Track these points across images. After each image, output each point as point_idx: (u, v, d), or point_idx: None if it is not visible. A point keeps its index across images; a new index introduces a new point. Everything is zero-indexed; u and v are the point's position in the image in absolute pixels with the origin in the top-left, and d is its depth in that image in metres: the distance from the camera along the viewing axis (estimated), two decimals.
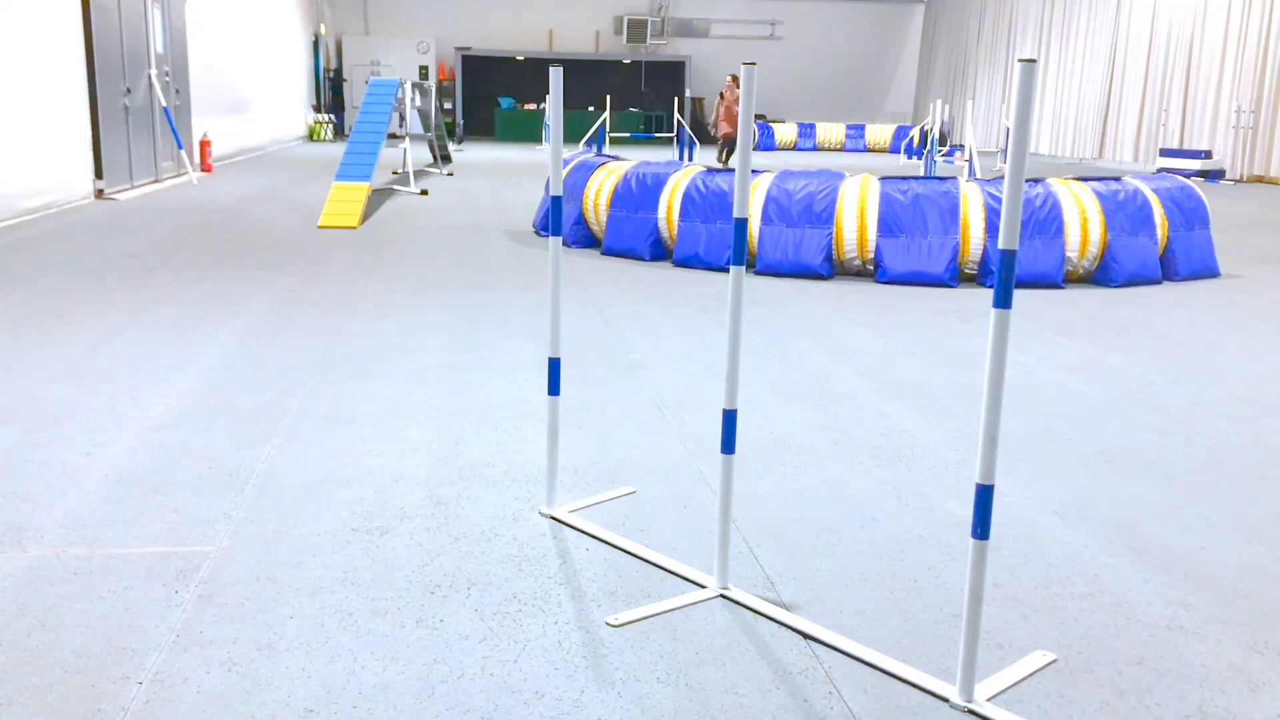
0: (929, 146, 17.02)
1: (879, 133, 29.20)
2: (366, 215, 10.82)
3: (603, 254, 8.61)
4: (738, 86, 16.60)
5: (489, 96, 31.74)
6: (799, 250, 7.68)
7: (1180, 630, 2.59)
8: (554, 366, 3.20)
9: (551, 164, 3.07)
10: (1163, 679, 2.37)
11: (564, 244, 9.00)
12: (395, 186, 13.82)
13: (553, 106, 3.05)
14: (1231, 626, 2.62)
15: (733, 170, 8.22)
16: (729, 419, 2.66)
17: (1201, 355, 5.54)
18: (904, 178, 7.77)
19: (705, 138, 30.16)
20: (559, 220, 3.06)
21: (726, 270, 7.80)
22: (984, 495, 2.19)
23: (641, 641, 2.48)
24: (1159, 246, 7.84)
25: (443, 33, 31.24)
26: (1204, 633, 2.58)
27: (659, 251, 8.38)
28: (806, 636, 2.53)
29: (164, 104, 13.99)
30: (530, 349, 5.35)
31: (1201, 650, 2.50)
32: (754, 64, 2.53)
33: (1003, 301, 2.12)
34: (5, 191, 9.68)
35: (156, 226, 9.78)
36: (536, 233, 9.95)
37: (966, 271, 7.62)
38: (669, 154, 22.66)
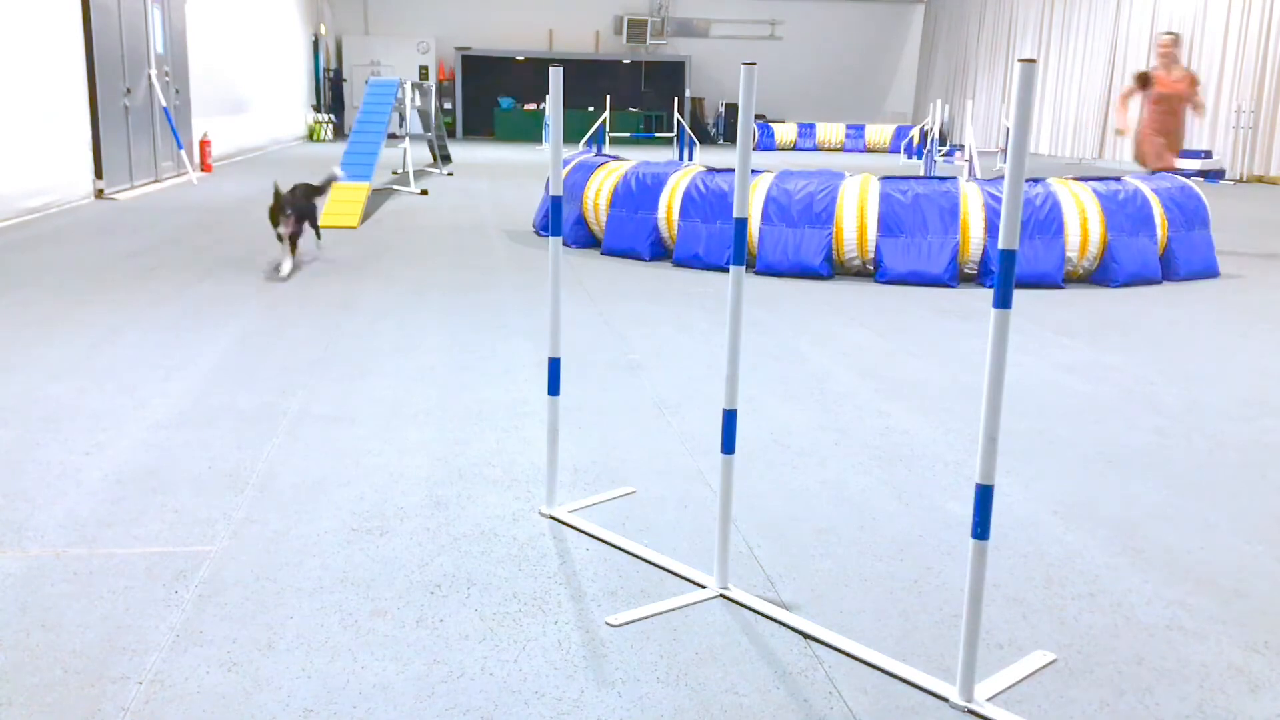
0: (929, 146, 17.03)
1: (879, 133, 29.19)
2: (366, 215, 10.82)
3: (603, 254, 8.61)
4: (1176, 58, 9.71)
5: (489, 96, 31.73)
6: (799, 250, 7.68)
7: (1180, 630, 2.59)
8: (554, 366, 3.20)
9: (551, 164, 3.07)
10: (1163, 679, 2.37)
11: (564, 244, 8.99)
12: (395, 186, 13.82)
13: (553, 106, 3.04)
14: (1231, 626, 2.62)
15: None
16: (729, 419, 2.66)
17: (1201, 355, 5.54)
18: (904, 178, 7.77)
19: (705, 138, 30.14)
20: (559, 220, 3.06)
21: (726, 270, 7.80)
22: (984, 495, 2.19)
23: (641, 641, 2.48)
24: (1159, 246, 7.84)
25: (443, 33, 31.23)
26: (1204, 633, 2.58)
27: (659, 251, 8.38)
28: (806, 636, 2.52)
29: (164, 104, 13.99)
30: (530, 349, 5.35)
31: (1201, 650, 2.50)
32: (754, 64, 2.53)
33: (1003, 301, 2.12)
34: (5, 191, 9.68)
35: (156, 226, 9.77)
36: (536, 233, 9.94)
37: (966, 271, 7.62)
38: (669, 154, 22.66)
